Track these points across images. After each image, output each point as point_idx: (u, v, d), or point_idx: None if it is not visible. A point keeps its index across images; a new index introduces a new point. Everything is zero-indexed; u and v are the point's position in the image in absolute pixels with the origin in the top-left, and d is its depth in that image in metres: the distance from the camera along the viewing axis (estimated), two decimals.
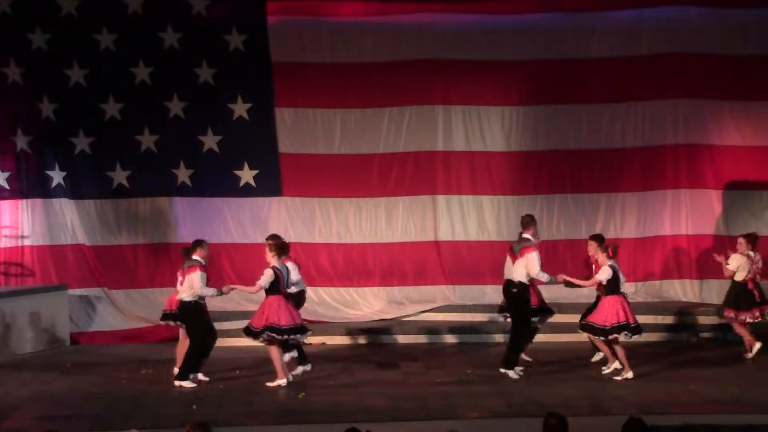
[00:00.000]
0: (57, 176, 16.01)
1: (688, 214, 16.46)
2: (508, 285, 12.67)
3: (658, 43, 16.27)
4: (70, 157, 16.04)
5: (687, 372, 12.84)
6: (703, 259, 16.29)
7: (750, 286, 13.74)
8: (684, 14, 16.21)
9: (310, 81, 16.28)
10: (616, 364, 12.58)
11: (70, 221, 16.04)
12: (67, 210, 16.04)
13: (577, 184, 16.50)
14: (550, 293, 14.14)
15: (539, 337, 13.84)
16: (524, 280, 12.53)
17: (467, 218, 16.50)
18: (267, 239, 12.88)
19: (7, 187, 15.90)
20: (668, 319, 15.51)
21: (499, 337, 15.01)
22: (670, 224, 16.48)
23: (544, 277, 12.53)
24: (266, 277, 12.13)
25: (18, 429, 10.54)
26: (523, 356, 13.15)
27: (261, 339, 12.27)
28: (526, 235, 12.67)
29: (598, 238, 13.29)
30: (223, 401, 11.48)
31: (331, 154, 16.43)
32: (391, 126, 16.44)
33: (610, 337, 12.36)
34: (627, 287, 16.24)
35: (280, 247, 12.44)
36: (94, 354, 14.80)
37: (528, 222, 12.83)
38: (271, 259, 12.25)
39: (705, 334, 15.24)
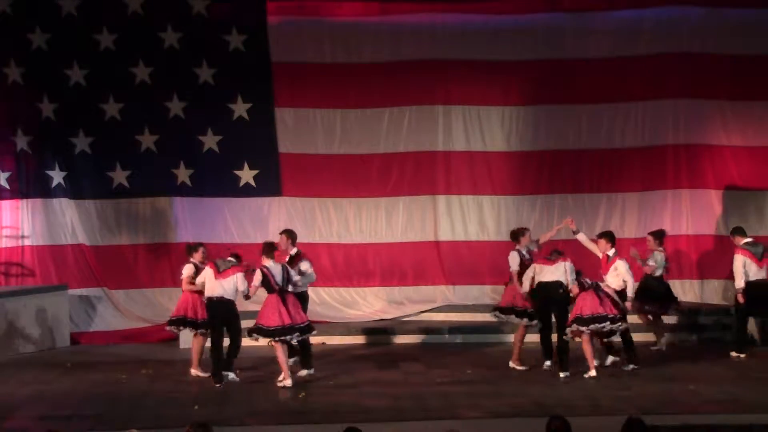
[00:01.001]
0: (57, 176, 16.02)
1: (689, 214, 16.45)
2: (552, 287, 12.73)
3: (658, 43, 16.25)
4: (70, 157, 16.04)
5: (687, 372, 12.84)
6: (704, 260, 16.31)
7: (665, 280, 14.46)
8: (684, 14, 16.19)
9: (310, 81, 16.27)
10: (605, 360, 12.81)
11: (70, 221, 16.04)
12: (67, 210, 16.05)
13: (578, 185, 16.49)
14: None
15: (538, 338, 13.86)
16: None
17: (467, 218, 16.50)
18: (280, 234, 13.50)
19: (7, 187, 15.91)
20: (668, 319, 15.50)
21: (494, 337, 15.02)
22: (670, 224, 16.44)
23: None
24: (255, 277, 12.32)
25: (18, 429, 10.55)
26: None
27: (252, 338, 12.43)
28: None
29: (609, 235, 13.42)
30: (223, 401, 11.48)
31: (331, 154, 16.43)
32: (391, 126, 16.44)
33: (569, 334, 12.61)
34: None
35: (267, 246, 12.63)
36: (94, 354, 14.80)
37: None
38: (263, 259, 12.43)
39: (705, 334, 15.25)
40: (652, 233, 14.55)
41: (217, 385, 12.27)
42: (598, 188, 16.51)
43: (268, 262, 12.41)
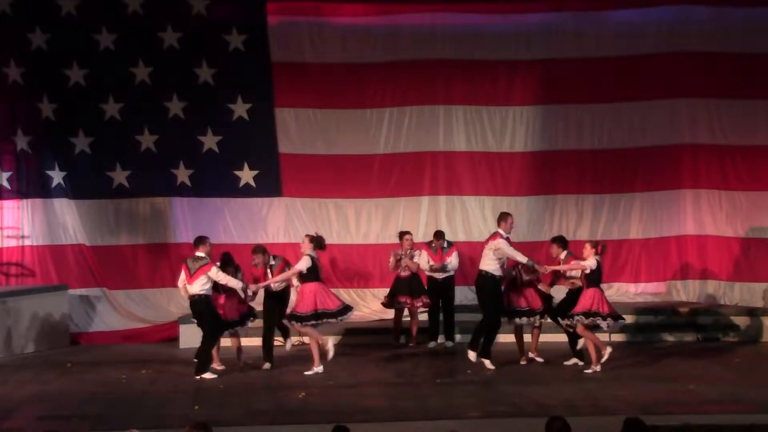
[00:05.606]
0: (57, 176, 16.02)
1: (692, 214, 16.41)
2: None
3: (662, 43, 16.22)
4: (70, 157, 16.04)
5: (687, 372, 12.84)
6: (705, 260, 16.28)
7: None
8: (687, 13, 16.15)
9: (310, 81, 16.27)
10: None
11: (70, 221, 16.04)
12: (67, 210, 16.04)
13: (580, 185, 16.47)
14: None
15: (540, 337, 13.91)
16: None
17: (469, 219, 16.49)
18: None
19: (7, 187, 15.91)
20: (668, 319, 15.52)
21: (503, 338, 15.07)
22: (673, 225, 16.44)
23: None
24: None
25: (18, 429, 10.54)
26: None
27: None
28: None
29: (561, 240, 13.59)
30: (223, 401, 11.48)
31: (331, 155, 16.42)
32: (392, 126, 16.44)
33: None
34: (631, 288, 16.28)
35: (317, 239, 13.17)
36: (94, 354, 14.80)
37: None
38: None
39: (704, 334, 15.26)
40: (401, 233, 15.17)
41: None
42: (601, 189, 16.49)
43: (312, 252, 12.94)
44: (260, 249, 13.63)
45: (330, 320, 12.88)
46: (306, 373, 12.82)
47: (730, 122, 16.27)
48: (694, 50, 16.15)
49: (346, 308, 13.02)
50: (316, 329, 12.91)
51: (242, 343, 13.63)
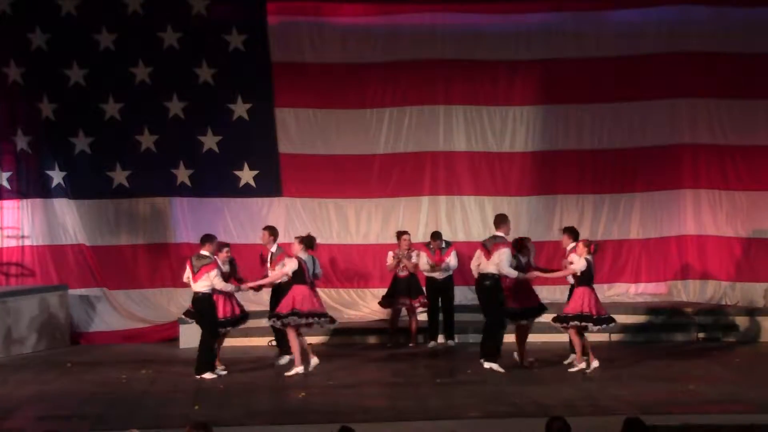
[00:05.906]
0: (57, 176, 16.01)
1: (692, 215, 16.40)
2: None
3: (662, 43, 16.20)
4: (70, 157, 16.04)
5: (687, 372, 12.85)
6: (706, 260, 16.27)
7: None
8: (687, 13, 16.13)
9: (310, 81, 16.26)
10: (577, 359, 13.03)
11: (70, 221, 16.04)
12: (67, 210, 16.04)
13: (580, 185, 16.45)
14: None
15: (539, 337, 13.90)
16: None
17: (468, 219, 16.49)
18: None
19: (7, 187, 15.91)
20: (669, 319, 15.52)
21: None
22: (673, 225, 16.43)
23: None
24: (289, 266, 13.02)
25: (18, 429, 10.55)
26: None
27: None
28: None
29: (572, 231, 13.51)
30: (223, 401, 11.48)
31: (331, 155, 16.42)
32: (392, 126, 16.43)
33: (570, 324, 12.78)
34: (631, 288, 16.26)
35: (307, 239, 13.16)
36: (94, 354, 14.80)
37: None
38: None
39: (705, 334, 15.25)
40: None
41: None
42: (601, 189, 16.47)
43: (303, 254, 12.86)
44: (271, 228, 13.90)
45: (299, 321, 12.72)
46: (286, 374, 12.80)
47: (730, 122, 16.27)
48: (694, 50, 16.14)
49: (321, 315, 12.93)
50: (296, 331, 12.83)
51: (242, 343, 13.63)
